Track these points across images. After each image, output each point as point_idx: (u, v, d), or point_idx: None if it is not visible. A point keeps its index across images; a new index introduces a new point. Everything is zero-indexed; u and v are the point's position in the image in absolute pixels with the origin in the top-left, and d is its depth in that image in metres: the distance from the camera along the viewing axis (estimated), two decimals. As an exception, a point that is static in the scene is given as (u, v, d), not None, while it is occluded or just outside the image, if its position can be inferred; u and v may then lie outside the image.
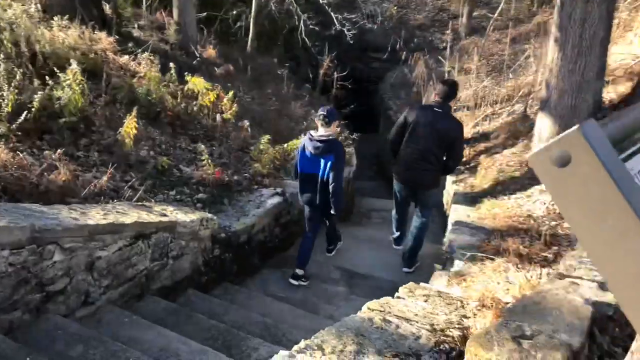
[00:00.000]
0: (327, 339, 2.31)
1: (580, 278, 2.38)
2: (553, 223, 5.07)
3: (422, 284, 3.84)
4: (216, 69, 9.65)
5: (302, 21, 10.43)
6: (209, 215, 4.30)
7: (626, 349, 2.10)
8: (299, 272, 5.06)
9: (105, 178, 4.19)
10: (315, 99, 11.60)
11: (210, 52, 10.46)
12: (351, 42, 11.14)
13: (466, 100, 11.59)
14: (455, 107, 11.85)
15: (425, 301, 3.31)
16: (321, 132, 4.98)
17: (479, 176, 7.83)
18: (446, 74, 12.64)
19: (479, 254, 4.44)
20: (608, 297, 2.28)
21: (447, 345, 2.60)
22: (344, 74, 11.60)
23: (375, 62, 16.20)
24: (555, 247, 4.46)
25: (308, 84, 11.67)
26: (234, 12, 11.07)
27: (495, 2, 16.13)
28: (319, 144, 4.91)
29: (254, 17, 11.30)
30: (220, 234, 4.42)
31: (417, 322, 2.81)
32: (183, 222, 3.96)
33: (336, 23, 10.60)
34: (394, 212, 6.08)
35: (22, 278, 2.86)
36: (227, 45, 11.94)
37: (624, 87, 7.86)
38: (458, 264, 4.31)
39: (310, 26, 10.52)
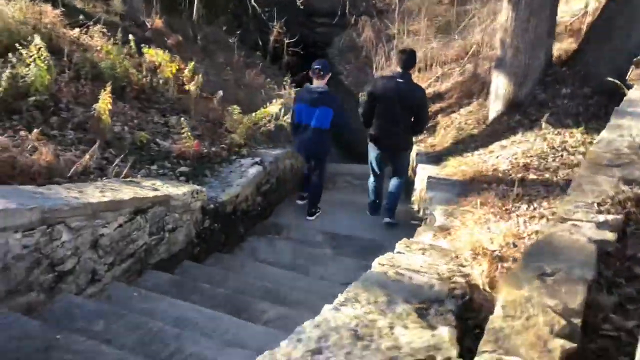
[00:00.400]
0: (359, 293, 2.47)
1: (580, 220, 2.63)
2: (519, 175, 5.39)
3: (413, 239, 4.06)
4: (166, 39, 9.42)
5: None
6: (198, 187, 4.33)
7: (628, 279, 2.37)
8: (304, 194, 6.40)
9: (87, 156, 4.11)
10: (267, 67, 11.53)
11: (157, 22, 10.16)
12: (301, 7, 11.08)
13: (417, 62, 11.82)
14: (405, 69, 12.09)
15: (423, 254, 3.52)
16: (316, 84, 5.51)
17: (439, 136, 8.14)
18: (395, 38, 12.82)
19: (460, 208, 4.69)
20: (607, 236, 2.54)
21: (458, 291, 2.81)
22: (294, 40, 11.55)
23: (321, 27, 16.18)
24: (527, 197, 4.77)
25: (258, 51, 11.55)
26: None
27: (436, -38, 16.35)
28: (316, 95, 5.42)
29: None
30: (209, 205, 4.46)
31: (425, 272, 3.01)
32: (176, 195, 3.98)
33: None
34: (371, 180, 6.31)
35: (35, 259, 2.84)
36: (173, 14, 11.61)
37: (567, 44, 8.28)
38: (440, 219, 4.54)
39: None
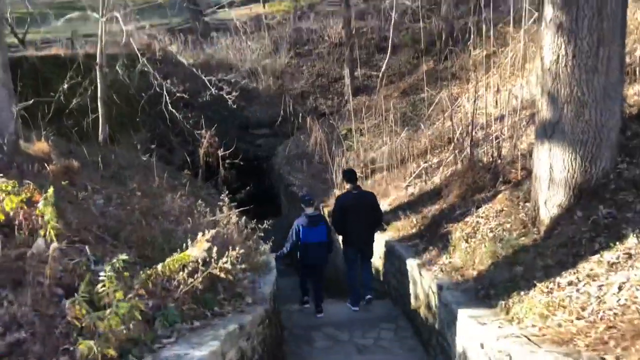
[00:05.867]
0: None
1: None
2: None
3: None
4: (47, 165, 6.24)
5: (164, 90, 7.32)
6: None
7: None
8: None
9: None
10: (198, 187, 8.37)
11: (40, 146, 7.02)
12: (234, 106, 8.20)
13: (381, 161, 9.08)
14: (371, 170, 9.31)
15: None
16: (311, 211, 6.38)
17: (459, 251, 5.02)
18: (352, 135, 10.07)
19: None
20: None
21: None
22: (230, 150, 8.56)
23: (259, 138, 13.45)
24: None
25: (187, 169, 8.46)
26: (76, 95, 7.61)
27: (374, 60, 14.32)
28: (315, 218, 6.36)
29: (101, 97, 8.04)
30: None
31: None
32: None
33: (209, 85, 7.60)
34: (352, 274, 6.48)
35: None
36: (73, 137, 8.53)
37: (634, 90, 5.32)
38: None
39: (177, 94, 7.43)
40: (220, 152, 8.35)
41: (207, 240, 3.70)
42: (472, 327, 3.53)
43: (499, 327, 3.29)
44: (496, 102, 7.44)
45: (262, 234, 5.88)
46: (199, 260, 3.50)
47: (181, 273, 3.29)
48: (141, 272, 3.33)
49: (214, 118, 12.67)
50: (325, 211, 9.08)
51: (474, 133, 7.09)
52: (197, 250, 3.34)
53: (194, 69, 7.51)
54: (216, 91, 7.65)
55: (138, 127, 9.22)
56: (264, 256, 5.26)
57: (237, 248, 4.63)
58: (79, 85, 7.79)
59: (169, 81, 7.39)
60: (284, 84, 13.95)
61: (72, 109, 8.84)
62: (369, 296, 6.40)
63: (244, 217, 5.81)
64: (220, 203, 5.92)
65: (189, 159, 8.58)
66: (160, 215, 5.98)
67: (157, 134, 9.67)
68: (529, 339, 2.91)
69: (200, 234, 3.75)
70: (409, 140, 9.01)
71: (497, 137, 6.88)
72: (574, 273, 3.49)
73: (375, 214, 6.40)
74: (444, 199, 6.37)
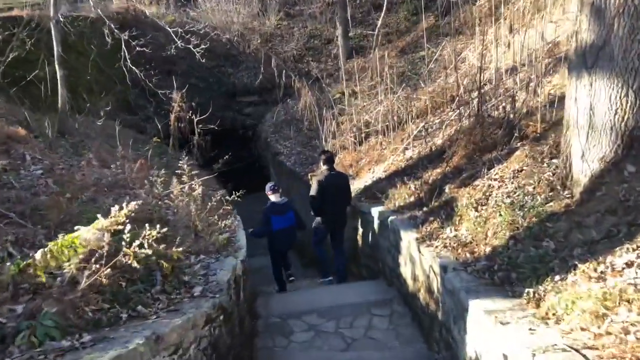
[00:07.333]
0: None
1: None
2: None
3: None
4: (-27, 131, 5.16)
5: (123, 44, 6.16)
6: None
7: None
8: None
9: None
10: (170, 155, 7.28)
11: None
12: (202, 60, 7.02)
13: (377, 123, 7.96)
14: (365, 134, 8.20)
15: None
16: (278, 198, 6.17)
17: (468, 222, 3.95)
18: (340, 101, 8.93)
19: None
20: None
21: None
22: (205, 115, 7.43)
23: (247, 106, 12.31)
24: None
25: (158, 137, 7.35)
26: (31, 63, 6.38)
27: (370, 18, 13.06)
28: (283, 205, 6.17)
29: (58, 58, 6.88)
30: None
31: None
32: None
33: (175, 38, 6.42)
34: (323, 251, 6.55)
35: None
36: (27, 103, 7.45)
37: None
38: None
39: (138, 48, 6.25)
40: (193, 117, 7.20)
41: (126, 215, 2.65)
42: (489, 327, 2.48)
43: (531, 330, 2.23)
44: (508, 46, 6.25)
45: (232, 207, 4.85)
46: (105, 245, 2.45)
47: (67, 264, 2.24)
48: (14, 262, 2.29)
49: (198, 85, 11.59)
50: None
51: (481, 86, 5.94)
52: (89, 232, 2.28)
53: (157, 20, 6.35)
54: (182, 44, 6.50)
55: (107, 93, 8.05)
56: (226, 234, 4.20)
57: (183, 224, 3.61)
58: (13, 39, 6.59)
59: (127, 33, 6.24)
60: (273, 48, 12.75)
61: (33, 75, 7.71)
62: (342, 283, 6.32)
63: (201, 188, 4.72)
64: (179, 171, 4.86)
65: (159, 126, 7.46)
66: (107, 188, 4.94)
67: (127, 100, 8.53)
68: (583, 355, 1.85)
69: (114, 208, 2.69)
70: (407, 99, 7.87)
71: (508, 90, 5.76)
72: (634, 249, 2.42)
73: (349, 195, 6.47)
74: (447, 162, 5.27)
